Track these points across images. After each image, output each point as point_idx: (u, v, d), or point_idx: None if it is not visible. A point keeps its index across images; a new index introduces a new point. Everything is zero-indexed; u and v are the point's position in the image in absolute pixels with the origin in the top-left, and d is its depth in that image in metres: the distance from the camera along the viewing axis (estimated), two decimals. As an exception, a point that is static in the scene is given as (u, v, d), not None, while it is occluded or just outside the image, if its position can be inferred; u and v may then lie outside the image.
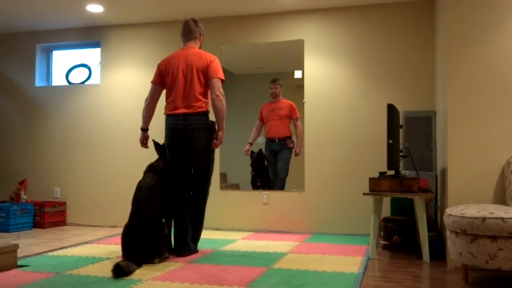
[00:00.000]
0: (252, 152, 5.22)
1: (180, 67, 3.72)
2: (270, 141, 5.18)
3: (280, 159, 5.13)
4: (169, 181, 3.74)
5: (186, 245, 3.72)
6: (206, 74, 3.70)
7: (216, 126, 3.73)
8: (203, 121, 3.71)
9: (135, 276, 3.02)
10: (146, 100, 3.86)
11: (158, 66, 3.85)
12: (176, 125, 3.68)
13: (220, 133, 3.72)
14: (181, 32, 3.88)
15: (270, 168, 5.18)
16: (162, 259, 3.48)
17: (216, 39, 5.34)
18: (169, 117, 3.74)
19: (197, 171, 3.80)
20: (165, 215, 3.64)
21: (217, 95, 3.65)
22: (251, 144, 5.22)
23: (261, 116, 5.21)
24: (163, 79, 3.81)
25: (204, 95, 3.73)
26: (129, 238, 3.36)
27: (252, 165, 5.23)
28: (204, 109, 3.72)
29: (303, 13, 5.14)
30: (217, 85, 3.67)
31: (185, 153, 3.72)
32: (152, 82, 3.85)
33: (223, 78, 3.74)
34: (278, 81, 5.16)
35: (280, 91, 5.16)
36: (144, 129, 3.92)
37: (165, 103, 3.82)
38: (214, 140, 3.75)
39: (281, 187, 5.12)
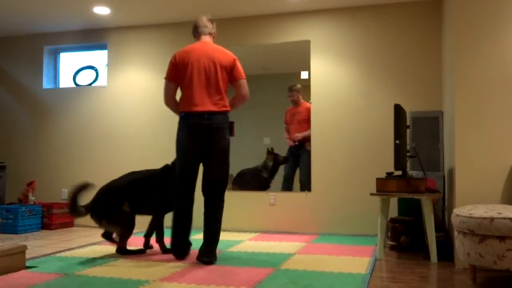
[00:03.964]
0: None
1: (201, 61, 3.43)
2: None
3: (303, 164, 5.11)
4: (169, 187, 3.75)
5: (183, 249, 3.57)
6: (230, 73, 3.48)
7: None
8: (227, 121, 3.48)
9: (142, 277, 3.03)
10: (165, 102, 3.55)
11: (173, 60, 3.49)
12: (199, 124, 3.37)
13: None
14: (195, 28, 3.60)
15: (290, 169, 5.16)
16: (109, 225, 3.74)
17: (223, 40, 5.35)
18: (189, 115, 3.40)
19: (215, 175, 3.48)
20: (136, 203, 3.79)
21: (244, 96, 3.53)
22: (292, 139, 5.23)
23: (286, 120, 5.25)
24: (178, 74, 3.47)
25: (226, 93, 3.51)
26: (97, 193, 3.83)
27: (273, 166, 5.22)
28: (228, 108, 3.50)
29: (309, 13, 5.14)
30: (246, 86, 3.54)
31: (205, 155, 3.45)
32: (166, 78, 3.52)
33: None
34: (295, 87, 5.17)
35: (299, 97, 5.17)
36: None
37: (178, 99, 3.53)
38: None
39: (308, 189, 5.09)
